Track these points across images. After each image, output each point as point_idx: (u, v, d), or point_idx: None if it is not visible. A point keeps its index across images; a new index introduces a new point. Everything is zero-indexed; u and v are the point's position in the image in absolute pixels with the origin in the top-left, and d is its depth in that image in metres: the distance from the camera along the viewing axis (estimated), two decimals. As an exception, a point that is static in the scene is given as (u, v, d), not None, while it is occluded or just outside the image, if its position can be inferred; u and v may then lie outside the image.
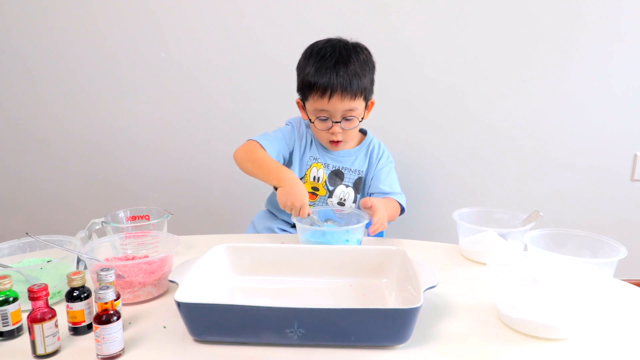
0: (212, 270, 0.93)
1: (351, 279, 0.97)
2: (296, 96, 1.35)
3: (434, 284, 0.80)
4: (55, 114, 2.04)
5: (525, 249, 1.02)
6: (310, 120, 1.31)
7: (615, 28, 1.83)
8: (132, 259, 0.99)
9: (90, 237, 1.09)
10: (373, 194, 1.40)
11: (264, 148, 1.28)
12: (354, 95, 1.24)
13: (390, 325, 0.74)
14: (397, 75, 1.90)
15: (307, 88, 1.26)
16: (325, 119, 1.27)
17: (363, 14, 1.85)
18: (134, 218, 1.17)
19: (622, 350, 0.77)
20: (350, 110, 1.25)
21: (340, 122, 1.27)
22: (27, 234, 0.98)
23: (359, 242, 1.13)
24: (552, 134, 1.95)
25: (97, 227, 1.11)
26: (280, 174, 1.21)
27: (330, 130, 1.29)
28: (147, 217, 1.17)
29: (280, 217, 1.43)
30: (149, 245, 1.05)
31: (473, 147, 1.98)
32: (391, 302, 0.90)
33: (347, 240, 1.11)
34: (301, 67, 1.29)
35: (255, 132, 1.36)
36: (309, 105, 1.29)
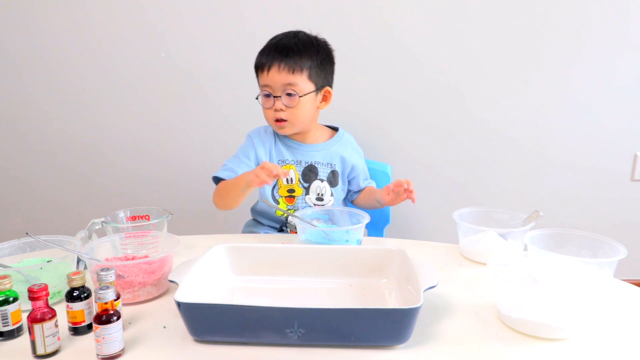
0: (212, 270, 0.93)
1: (351, 279, 0.97)
2: None
3: (434, 284, 0.81)
4: (56, 113, 2.03)
5: (525, 249, 1.02)
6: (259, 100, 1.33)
7: (615, 28, 1.83)
8: (132, 259, 0.99)
9: (90, 237, 1.09)
10: (358, 191, 1.45)
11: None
12: (291, 69, 1.25)
13: (390, 325, 0.74)
14: (397, 75, 1.89)
15: (255, 71, 1.31)
16: (268, 95, 1.29)
17: (362, 15, 1.85)
18: (134, 218, 1.17)
19: (622, 350, 0.77)
20: (290, 84, 1.26)
21: (280, 96, 1.27)
22: (27, 234, 0.98)
23: (359, 242, 1.13)
24: (552, 133, 1.95)
25: (97, 227, 1.11)
26: (242, 176, 1.22)
27: (274, 107, 1.29)
28: (147, 217, 1.17)
29: (266, 223, 1.43)
30: (149, 245, 1.05)
31: (473, 147, 1.98)
32: (391, 302, 0.90)
33: (347, 241, 1.11)
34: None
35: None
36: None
